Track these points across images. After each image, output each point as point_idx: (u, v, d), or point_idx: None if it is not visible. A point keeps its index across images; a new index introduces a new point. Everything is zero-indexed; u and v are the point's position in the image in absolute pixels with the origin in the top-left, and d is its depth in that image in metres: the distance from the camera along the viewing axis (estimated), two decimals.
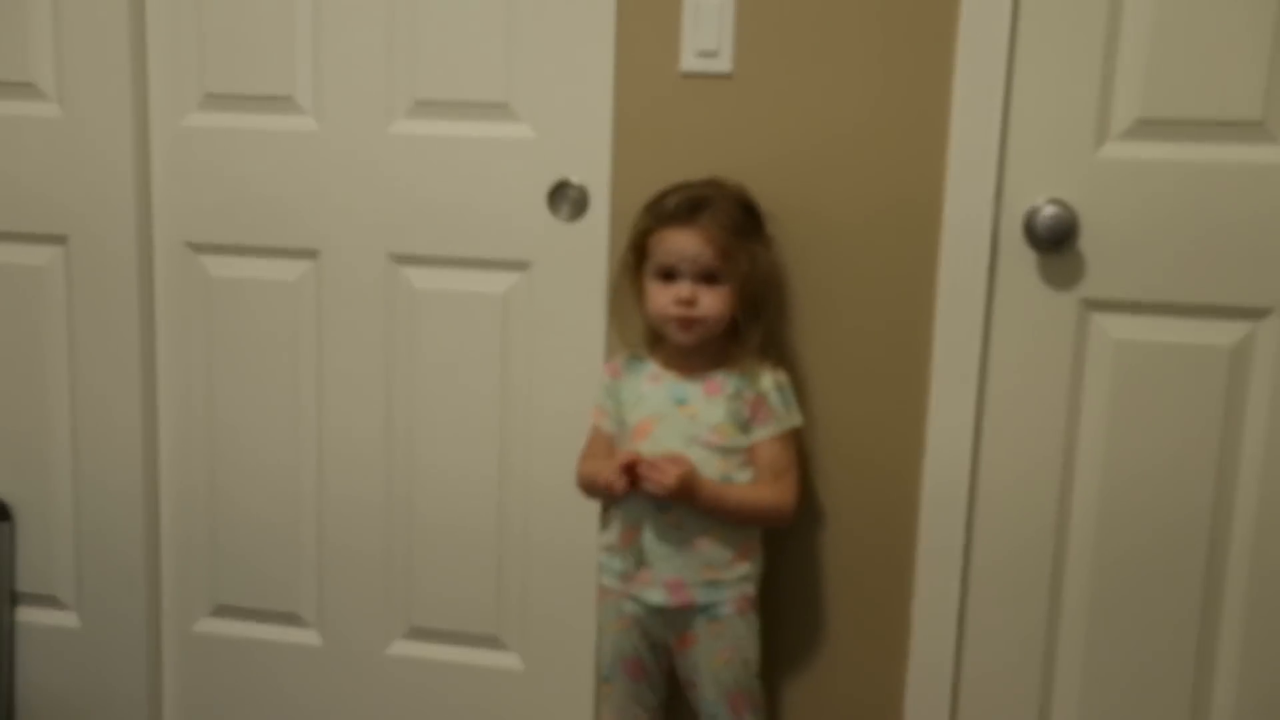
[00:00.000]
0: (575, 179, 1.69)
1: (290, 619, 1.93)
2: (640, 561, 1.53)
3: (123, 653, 1.96)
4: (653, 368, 1.58)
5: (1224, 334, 1.53)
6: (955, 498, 1.62)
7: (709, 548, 1.52)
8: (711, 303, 1.50)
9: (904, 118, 1.58)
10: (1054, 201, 1.53)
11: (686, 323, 1.50)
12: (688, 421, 1.52)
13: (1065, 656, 1.64)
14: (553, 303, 1.74)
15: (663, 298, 1.51)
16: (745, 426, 1.53)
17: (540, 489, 1.78)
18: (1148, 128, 1.51)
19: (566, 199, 1.69)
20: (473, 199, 1.74)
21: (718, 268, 1.49)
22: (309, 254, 1.81)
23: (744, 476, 1.53)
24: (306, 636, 1.92)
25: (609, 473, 1.47)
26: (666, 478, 1.44)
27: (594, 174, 1.68)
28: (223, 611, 1.95)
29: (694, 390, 1.54)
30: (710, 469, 1.50)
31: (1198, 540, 1.58)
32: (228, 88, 1.79)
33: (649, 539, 1.52)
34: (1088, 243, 1.54)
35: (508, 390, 1.78)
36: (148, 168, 1.84)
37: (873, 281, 1.62)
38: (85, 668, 1.98)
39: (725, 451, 1.52)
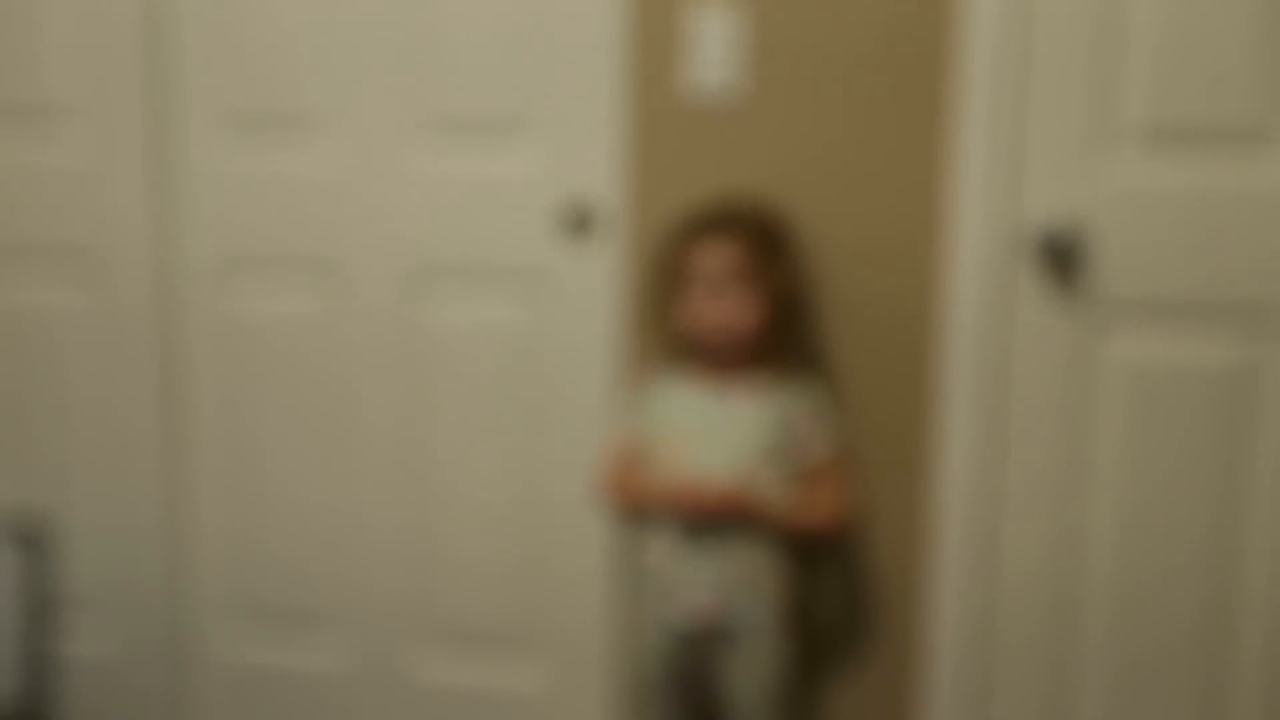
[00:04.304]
0: (587, 201, 1.71)
1: (316, 642, 1.95)
2: (680, 579, 1.54)
3: (155, 680, 2.00)
4: (684, 380, 1.60)
5: (1237, 346, 1.55)
6: (975, 505, 1.64)
7: (750, 565, 1.53)
8: (745, 312, 1.53)
9: (912, 136, 1.59)
10: (1062, 215, 1.54)
11: (723, 332, 1.53)
12: (725, 432, 1.54)
13: (1090, 660, 1.65)
14: (567, 322, 1.76)
15: (698, 308, 1.54)
16: (792, 439, 1.55)
17: (561, 508, 1.80)
18: (1156, 141, 1.52)
19: (578, 221, 1.71)
20: (485, 223, 1.76)
21: (750, 278, 1.52)
22: (325, 272, 1.84)
23: (782, 486, 1.55)
24: (332, 659, 1.95)
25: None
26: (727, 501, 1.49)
27: (605, 196, 1.71)
28: (250, 634, 1.98)
29: (730, 401, 1.56)
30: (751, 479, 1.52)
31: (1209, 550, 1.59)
32: (243, 114, 1.83)
33: (689, 557, 1.53)
34: (1097, 255, 1.55)
35: (524, 407, 1.80)
36: (166, 196, 1.87)
37: (883, 299, 1.64)
38: (120, 696, 2.02)
39: (764, 462, 1.53)
